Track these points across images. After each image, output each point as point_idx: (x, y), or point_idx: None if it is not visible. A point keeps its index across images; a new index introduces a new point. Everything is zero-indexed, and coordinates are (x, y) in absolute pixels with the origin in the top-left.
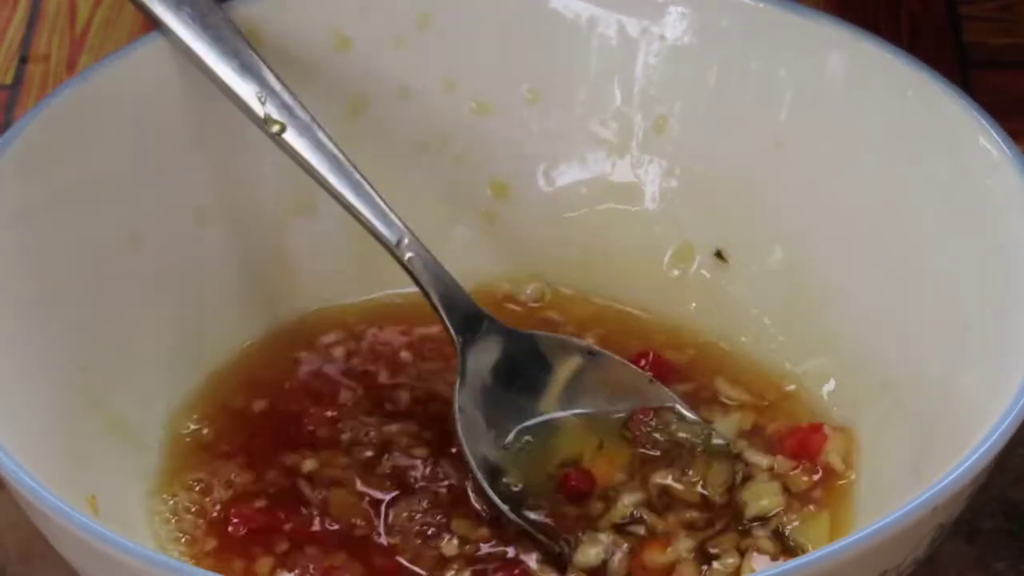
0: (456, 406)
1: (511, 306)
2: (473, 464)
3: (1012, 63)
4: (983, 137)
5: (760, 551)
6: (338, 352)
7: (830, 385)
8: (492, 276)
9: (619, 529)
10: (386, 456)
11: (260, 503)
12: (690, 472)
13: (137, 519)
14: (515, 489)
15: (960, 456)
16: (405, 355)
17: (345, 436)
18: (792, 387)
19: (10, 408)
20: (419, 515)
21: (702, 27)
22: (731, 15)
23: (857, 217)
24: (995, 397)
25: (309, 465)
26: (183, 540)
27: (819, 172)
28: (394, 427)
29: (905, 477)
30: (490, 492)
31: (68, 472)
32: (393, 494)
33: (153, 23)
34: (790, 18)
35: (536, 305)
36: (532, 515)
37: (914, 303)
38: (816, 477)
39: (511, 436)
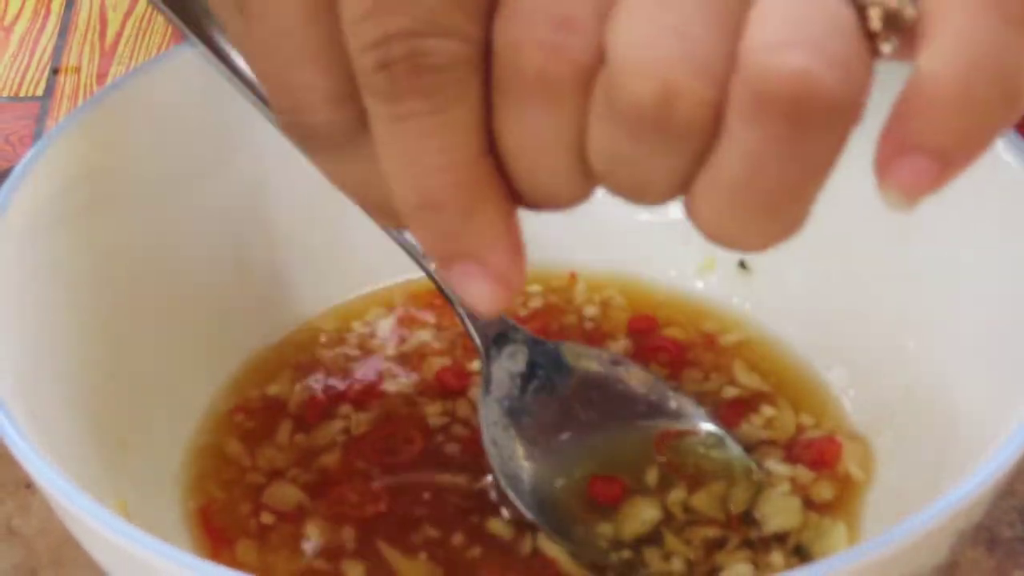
0: (482, 415)
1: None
2: (498, 472)
3: None
4: (1006, 152)
5: (776, 568)
6: (356, 346)
7: (850, 392)
8: None
9: (635, 545)
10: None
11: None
12: (712, 489)
13: (168, 523)
14: (541, 498)
15: (979, 463)
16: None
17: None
18: (812, 394)
19: (43, 413)
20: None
21: None
22: None
23: (879, 228)
24: (1015, 404)
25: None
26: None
27: (843, 181)
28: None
29: (924, 485)
30: (517, 502)
31: (99, 477)
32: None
33: (183, 35)
34: None
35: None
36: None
37: (935, 310)
38: (835, 487)
39: (536, 446)
